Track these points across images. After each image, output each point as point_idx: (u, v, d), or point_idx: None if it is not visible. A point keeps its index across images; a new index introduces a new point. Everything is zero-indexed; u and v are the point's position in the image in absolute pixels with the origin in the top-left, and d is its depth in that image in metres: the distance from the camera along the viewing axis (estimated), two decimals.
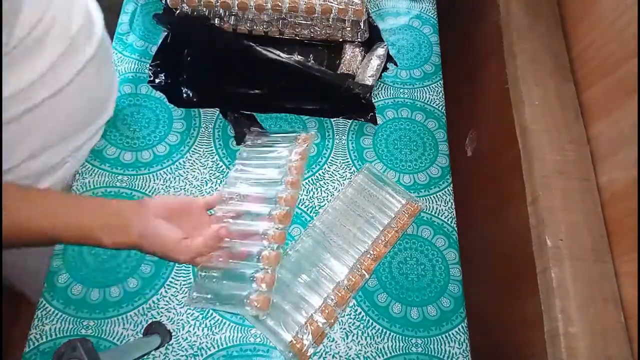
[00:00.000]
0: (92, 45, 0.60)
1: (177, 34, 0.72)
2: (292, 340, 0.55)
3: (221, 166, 0.68)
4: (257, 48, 0.69)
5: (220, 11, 0.73)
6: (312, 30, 0.76)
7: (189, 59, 0.71)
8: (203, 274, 0.57)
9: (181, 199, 0.62)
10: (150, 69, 0.73)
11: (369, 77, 0.72)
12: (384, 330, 0.60)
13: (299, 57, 0.75)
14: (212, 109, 0.72)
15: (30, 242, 0.49)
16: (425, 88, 0.78)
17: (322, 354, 0.58)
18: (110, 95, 0.69)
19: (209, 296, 0.55)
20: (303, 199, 0.67)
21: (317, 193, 0.68)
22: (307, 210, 0.66)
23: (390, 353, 0.59)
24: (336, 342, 0.59)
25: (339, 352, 0.59)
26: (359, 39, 0.76)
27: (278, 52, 0.69)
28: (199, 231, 0.55)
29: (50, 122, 0.56)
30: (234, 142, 0.70)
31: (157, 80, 0.73)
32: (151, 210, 0.53)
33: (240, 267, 0.56)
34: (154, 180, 0.67)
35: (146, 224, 0.51)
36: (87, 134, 0.65)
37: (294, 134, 0.69)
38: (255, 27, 0.75)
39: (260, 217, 0.60)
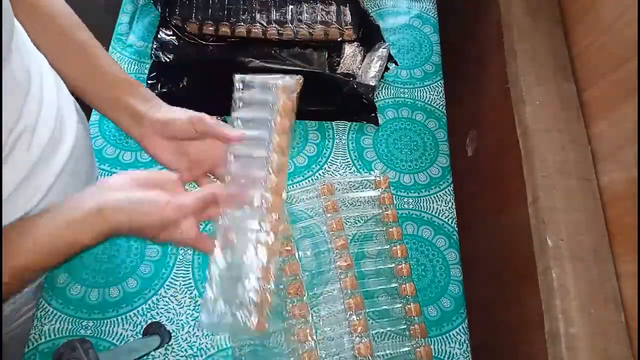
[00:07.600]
0: (64, 152, 0.53)
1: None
2: None
3: None
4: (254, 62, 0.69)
5: (218, 14, 0.73)
6: (310, 32, 0.76)
7: (184, 79, 0.72)
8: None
9: (150, 171, 0.53)
10: (148, 84, 0.72)
11: (372, 77, 0.72)
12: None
13: (299, 61, 0.75)
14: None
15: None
16: (425, 88, 0.78)
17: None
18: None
19: None
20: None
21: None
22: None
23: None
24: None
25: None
26: (354, 35, 0.76)
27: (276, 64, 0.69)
28: None
29: None
30: None
31: (154, 92, 0.72)
32: (112, 185, 0.43)
33: None
34: None
35: (105, 196, 0.41)
36: None
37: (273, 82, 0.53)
38: (253, 30, 0.75)
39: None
